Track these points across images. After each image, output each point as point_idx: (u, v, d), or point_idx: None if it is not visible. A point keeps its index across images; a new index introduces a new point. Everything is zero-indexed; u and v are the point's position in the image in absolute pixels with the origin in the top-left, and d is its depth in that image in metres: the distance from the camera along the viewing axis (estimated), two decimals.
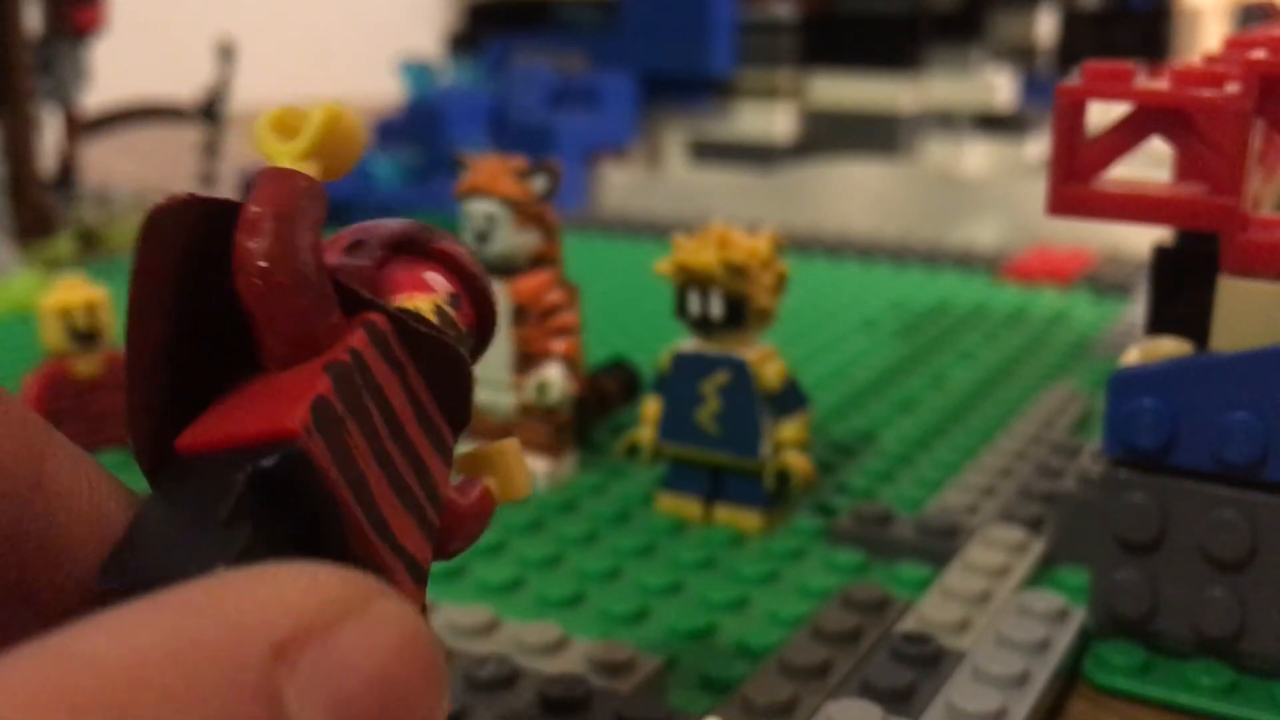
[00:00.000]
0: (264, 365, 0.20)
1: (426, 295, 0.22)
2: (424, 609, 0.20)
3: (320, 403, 0.18)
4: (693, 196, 1.14)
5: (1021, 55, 1.41)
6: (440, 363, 0.21)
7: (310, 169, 0.20)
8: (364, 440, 0.19)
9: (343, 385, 0.19)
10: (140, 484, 0.20)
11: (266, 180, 0.20)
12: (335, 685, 0.14)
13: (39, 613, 0.18)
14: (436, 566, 0.44)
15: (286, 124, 0.20)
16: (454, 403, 0.22)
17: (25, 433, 0.18)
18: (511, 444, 0.24)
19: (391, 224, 0.23)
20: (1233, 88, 0.35)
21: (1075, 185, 0.37)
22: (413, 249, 0.23)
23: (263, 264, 0.19)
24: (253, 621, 0.14)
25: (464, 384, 0.22)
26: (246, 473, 0.17)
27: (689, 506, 0.46)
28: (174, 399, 0.20)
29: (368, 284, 0.22)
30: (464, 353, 0.22)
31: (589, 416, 0.52)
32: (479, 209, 0.47)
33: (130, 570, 0.17)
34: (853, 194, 1.19)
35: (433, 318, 0.22)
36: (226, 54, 0.99)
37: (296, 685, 0.14)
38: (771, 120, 1.30)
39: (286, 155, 0.20)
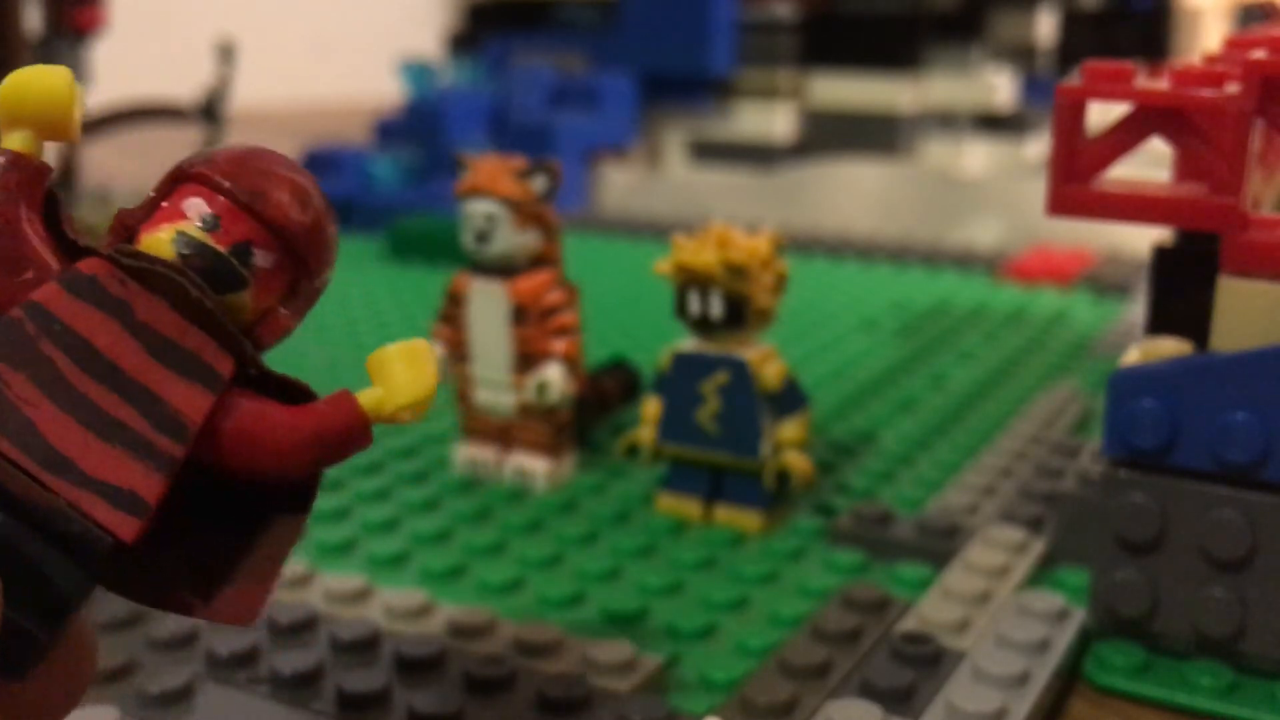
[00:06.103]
0: None
1: (171, 224, 0.23)
2: (138, 529, 0.21)
3: None
4: (693, 196, 1.14)
5: (1021, 55, 1.41)
6: (171, 291, 0.22)
7: (14, 141, 0.22)
8: (35, 388, 0.20)
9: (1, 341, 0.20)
10: None
11: None
12: None
13: None
14: (437, 563, 0.44)
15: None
16: (209, 323, 0.22)
17: None
18: (396, 347, 0.24)
19: (196, 154, 0.24)
20: (1233, 88, 0.35)
21: (1075, 185, 0.37)
22: (185, 178, 0.24)
23: None
24: None
25: (199, 307, 0.22)
26: None
27: (689, 506, 0.46)
28: None
29: (135, 225, 0.23)
30: (185, 279, 0.22)
31: (589, 416, 0.52)
32: (479, 209, 0.47)
33: None
34: (853, 194, 1.19)
35: (169, 246, 0.23)
36: (226, 54, 0.99)
37: None
38: (771, 120, 1.30)
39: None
